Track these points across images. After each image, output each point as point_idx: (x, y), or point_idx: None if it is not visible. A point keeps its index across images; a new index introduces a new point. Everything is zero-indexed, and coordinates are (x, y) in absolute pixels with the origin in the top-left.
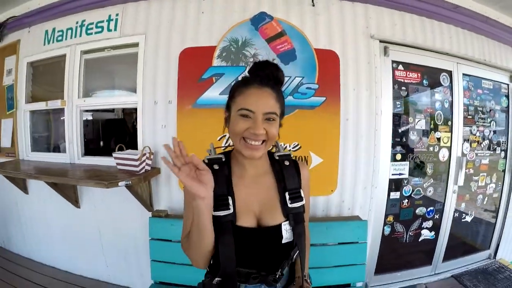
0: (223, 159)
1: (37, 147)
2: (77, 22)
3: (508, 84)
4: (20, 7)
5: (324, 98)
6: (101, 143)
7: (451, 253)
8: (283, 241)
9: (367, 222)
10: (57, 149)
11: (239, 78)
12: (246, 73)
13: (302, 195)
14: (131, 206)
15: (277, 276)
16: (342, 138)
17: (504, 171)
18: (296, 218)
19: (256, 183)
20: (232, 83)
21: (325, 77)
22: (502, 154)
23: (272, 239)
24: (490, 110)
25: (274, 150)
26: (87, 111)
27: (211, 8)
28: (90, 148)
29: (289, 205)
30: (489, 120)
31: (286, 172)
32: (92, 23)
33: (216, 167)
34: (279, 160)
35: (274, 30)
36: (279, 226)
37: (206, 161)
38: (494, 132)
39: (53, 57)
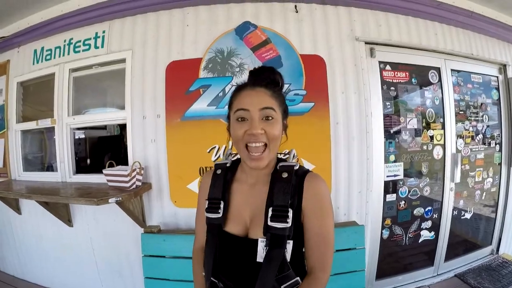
0: (228, 165)
1: (31, 167)
2: (65, 41)
3: (497, 77)
4: (9, 27)
5: (313, 103)
6: (88, 161)
7: (452, 252)
8: (258, 259)
9: (364, 227)
10: (50, 168)
11: (226, 89)
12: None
13: (290, 216)
14: (123, 223)
15: None
16: (333, 142)
17: (500, 164)
18: (273, 240)
19: (252, 192)
20: (219, 94)
21: (313, 82)
22: (497, 147)
23: (249, 254)
24: (482, 104)
25: (285, 157)
26: (79, 129)
27: (195, 21)
28: (82, 166)
29: (269, 223)
30: (481, 114)
31: (278, 185)
32: (79, 41)
33: (218, 172)
34: (278, 171)
35: (259, 38)
36: (256, 241)
37: (214, 166)
38: (487, 125)
39: (42, 76)
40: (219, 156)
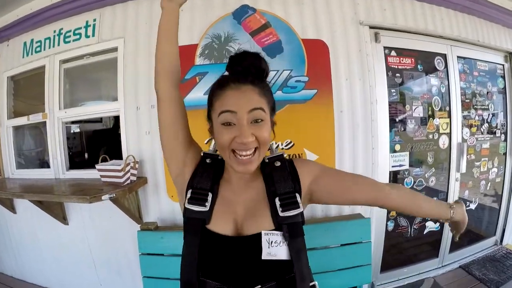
0: (220, 157)
1: (27, 164)
2: (54, 31)
3: (503, 65)
4: None
5: (315, 90)
6: (86, 155)
7: (458, 243)
8: (264, 256)
9: (370, 220)
10: (46, 164)
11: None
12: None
13: (299, 201)
14: (120, 220)
15: None
16: (337, 131)
17: (505, 154)
18: (291, 229)
19: (243, 190)
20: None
21: (315, 68)
22: (502, 136)
23: (248, 252)
24: (488, 93)
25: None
26: (73, 122)
27: (191, 5)
28: (77, 162)
29: (280, 214)
30: (487, 102)
31: (276, 174)
32: (69, 31)
33: (208, 161)
34: (269, 163)
35: (258, 22)
36: (259, 235)
37: (202, 154)
38: (493, 114)
39: (33, 69)
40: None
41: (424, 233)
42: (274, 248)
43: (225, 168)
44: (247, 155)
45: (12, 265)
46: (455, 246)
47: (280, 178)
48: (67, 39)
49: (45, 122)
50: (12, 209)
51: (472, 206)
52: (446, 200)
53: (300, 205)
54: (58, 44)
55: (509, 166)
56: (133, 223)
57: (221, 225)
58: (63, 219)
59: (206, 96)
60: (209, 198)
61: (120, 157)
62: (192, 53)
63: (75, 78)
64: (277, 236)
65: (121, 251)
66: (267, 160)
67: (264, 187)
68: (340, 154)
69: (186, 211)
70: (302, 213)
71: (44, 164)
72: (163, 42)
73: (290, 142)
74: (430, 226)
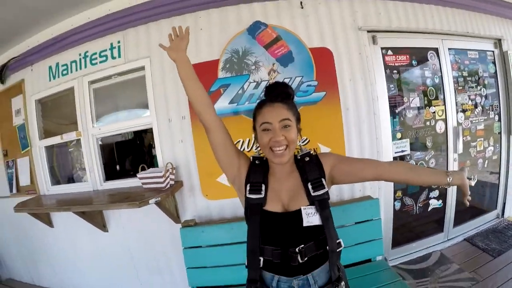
0: (264, 159)
1: (58, 179)
2: (79, 54)
3: (493, 51)
4: (19, 46)
5: (324, 92)
6: (117, 166)
7: (460, 218)
8: (305, 224)
9: (378, 200)
10: (71, 180)
11: (245, 86)
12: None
13: (324, 183)
14: (158, 221)
15: (298, 251)
16: (345, 126)
17: (500, 133)
18: (321, 204)
19: (285, 180)
20: (239, 91)
21: (323, 73)
22: (496, 117)
23: (293, 222)
24: (479, 78)
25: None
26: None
27: (208, 24)
28: (107, 173)
29: (312, 194)
30: (479, 87)
31: (307, 166)
32: (95, 53)
33: (257, 162)
34: (301, 159)
35: (270, 36)
36: (299, 210)
37: (251, 158)
38: (486, 97)
39: (61, 91)
40: (243, 148)
41: (429, 210)
42: (311, 217)
43: (269, 166)
44: (280, 150)
45: (50, 277)
46: (458, 220)
47: (310, 168)
48: (93, 61)
49: (76, 140)
50: (49, 223)
51: (472, 183)
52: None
53: (325, 186)
54: (85, 67)
55: (504, 144)
56: (170, 223)
57: (273, 205)
58: (103, 227)
59: (231, 105)
60: (263, 188)
61: (146, 165)
62: (215, 67)
63: (104, 95)
64: (312, 209)
65: (159, 250)
66: (299, 157)
67: (299, 176)
68: (349, 146)
69: (247, 200)
70: (327, 192)
71: (70, 180)
72: (188, 88)
73: (306, 139)
74: (434, 203)
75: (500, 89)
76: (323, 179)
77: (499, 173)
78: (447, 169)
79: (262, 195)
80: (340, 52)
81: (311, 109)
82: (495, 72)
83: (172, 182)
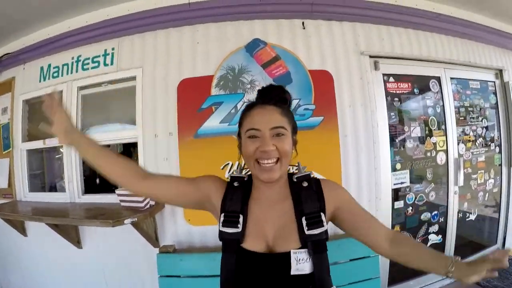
0: (246, 179)
1: (33, 187)
2: (72, 58)
3: (494, 81)
4: (14, 43)
5: (322, 117)
6: (97, 180)
7: (460, 254)
8: (293, 272)
9: None
10: (53, 188)
11: (238, 106)
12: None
13: (324, 219)
14: (136, 243)
15: None
16: (342, 154)
17: (500, 165)
18: (316, 246)
19: (273, 208)
20: (232, 111)
21: (321, 96)
22: (497, 149)
23: (278, 268)
24: (480, 109)
25: (295, 170)
26: None
27: (206, 38)
28: (89, 186)
29: (306, 232)
30: (480, 118)
31: (304, 194)
32: (88, 58)
33: (236, 184)
34: (297, 183)
35: (269, 55)
36: (288, 254)
37: (229, 178)
38: (486, 128)
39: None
40: (232, 172)
41: (428, 245)
42: (302, 264)
43: (254, 187)
44: (269, 164)
45: (21, 286)
46: (458, 255)
47: (307, 198)
48: (85, 66)
49: (51, 147)
50: (23, 231)
51: (472, 217)
52: (447, 213)
53: (325, 223)
54: (76, 71)
55: (505, 176)
56: (148, 246)
57: (254, 243)
58: (77, 243)
59: (222, 125)
60: (241, 219)
61: None
62: (208, 83)
63: (91, 103)
64: (304, 254)
65: (135, 274)
66: (295, 180)
67: (293, 206)
68: (346, 176)
69: (221, 233)
70: (326, 231)
71: (51, 188)
72: (103, 168)
73: (294, 168)
74: (433, 238)
75: (501, 120)
76: (322, 214)
77: (499, 206)
78: (447, 201)
79: (239, 229)
80: (340, 76)
81: (307, 134)
82: (496, 103)
83: (153, 203)
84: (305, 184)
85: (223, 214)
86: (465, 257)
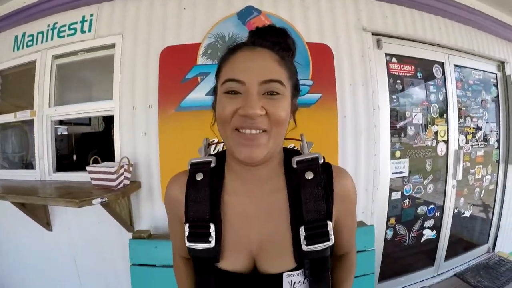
0: (213, 164)
1: (9, 164)
2: (48, 25)
3: (496, 74)
4: None
5: (320, 94)
6: (74, 157)
7: (452, 251)
8: None
9: (373, 227)
10: (30, 166)
11: None
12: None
13: (330, 230)
14: (109, 227)
15: None
16: (340, 136)
17: (498, 161)
18: (315, 267)
19: (258, 205)
20: None
21: (320, 72)
22: (495, 144)
23: None
24: (482, 101)
25: (298, 148)
26: (61, 124)
27: (194, 3)
28: (65, 164)
29: (304, 248)
30: (481, 110)
31: (305, 192)
32: (64, 25)
33: (199, 177)
34: (297, 170)
35: (263, 24)
36: (280, 276)
37: (189, 167)
38: (487, 122)
39: (23, 64)
40: (218, 150)
41: (422, 241)
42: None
43: (228, 171)
44: (253, 133)
45: None
46: (450, 253)
47: (311, 197)
48: (61, 34)
49: (32, 121)
50: None
51: (467, 214)
52: (443, 208)
53: (331, 237)
54: (52, 39)
55: (501, 174)
56: (123, 230)
57: (234, 260)
58: (47, 224)
59: (208, 97)
60: (212, 230)
61: (110, 160)
62: (194, 52)
63: (67, 76)
64: (301, 276)
65: (109, 261)
66: (295, 166)
67: (288, 207)
68: (343, 159)
69: (190, 251)
70: (332, 246)
71: (28, 166)
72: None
73: (293, 146)
74: (427, 234)
75: (501, 115)
76: (329, 223)
77: (493, 205)
78: (444, 195)
79: (211, 244)
80: (340, 51)
81: (303, 112)
82: (497, 96)
83: (127, 182)
84: (309, 176)
85: (187, 225)
86: (456, 255)
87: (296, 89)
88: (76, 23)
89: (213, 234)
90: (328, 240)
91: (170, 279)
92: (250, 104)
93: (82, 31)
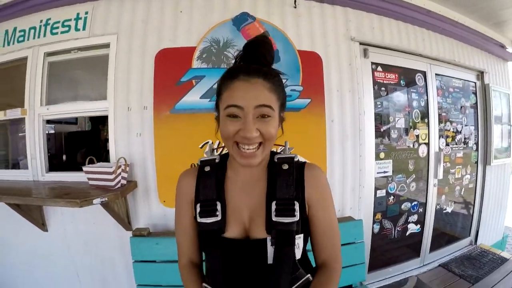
0: (217, 161)
1: None
2: (41, 21)
3: (475, 82)
4: None
5: (309, 100)
6: (64, 156)
7: (436, 244)
8: (270, 261)
9: (362, 222)
10: (17, 166)
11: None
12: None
13: (297, 209)
14: (106, 226)
15: None
16: (328, 139)
17: (476, 162)
18: (280, 237)
19: (247, 190)
20: (214, 86)
21: (309, 79)
22: (474, 147)
23: (256, 256)
24: (461, 107)
25: (279, 151)
26: (48, 122)
27: (190, 7)
28: (54, 164)
29: (273, 219)
30: (460, 116)
31: (280, 178)
32: (58, 22)
33: (207, 169)
34: (277, 164)
35: (257, 31)
36: (264, 240)
37: (199, 163)
38: (466, 125)
39: (13, 60)
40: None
41: (407, 234)
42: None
43: (229, 167)
44: (250, 150)
45: None
46: (434, 246)
47: (282, 182)
48: (54, 31)
49: (13, 120)
50: None
51: (449, 210)
52: (426, 204)
53: (297, 214)
54: (44, 35)
55: (480, 173)
56: (119, 229)
57: (234, 229)
58: (42, 225)
59: (202, 100)
60: (219, 207)
61: (99, 160)
62: (189, 55)
63: (59, 74)
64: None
65: (107, 259)
66: (276, 160)
67: (265, 188)
68: (331, 161)
69: (200, 225)
70: (298, 222)
71: (14, 166)
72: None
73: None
74: (412, 228)
75: (479, 120)
76: (296, 203)
77: (474, 201)
78: (426, 193)
79: (219, 217)
80: (329, 59)
81: (293, 116)
82: (475, 103)
83: (124, 182)
84: (285, 166)
85: (198, 205)
86: (440, 247)
87: (283, 106)
88: (70, 20)
89: (219, 209)
90: (294, 216)
91: (170, 273)
92: (248, 129)
93: (76, 29)
